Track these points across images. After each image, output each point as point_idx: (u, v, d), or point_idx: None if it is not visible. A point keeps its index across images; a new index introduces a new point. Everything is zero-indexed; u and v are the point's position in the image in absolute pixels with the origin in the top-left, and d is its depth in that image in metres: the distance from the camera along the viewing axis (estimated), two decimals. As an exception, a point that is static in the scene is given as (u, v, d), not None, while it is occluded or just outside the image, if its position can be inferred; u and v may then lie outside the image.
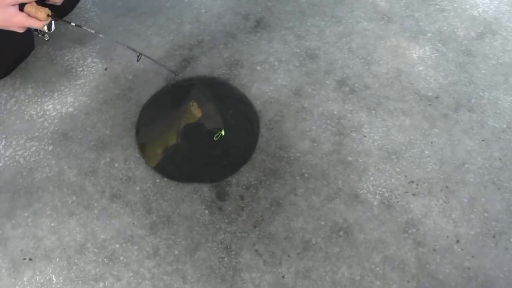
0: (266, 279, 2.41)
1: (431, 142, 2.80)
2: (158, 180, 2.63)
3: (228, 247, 2.48)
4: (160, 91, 2.95)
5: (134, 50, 2.35)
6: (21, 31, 2.15)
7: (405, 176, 2.66)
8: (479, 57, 3.18)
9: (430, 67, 3.10)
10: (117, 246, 2.48)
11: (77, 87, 2.96)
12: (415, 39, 3.24)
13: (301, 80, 2.98)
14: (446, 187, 2.65)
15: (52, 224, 2.54)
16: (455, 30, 3.31)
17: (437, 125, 2.86)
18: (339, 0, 3.41)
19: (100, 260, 2.45)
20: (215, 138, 2.72)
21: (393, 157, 2.72)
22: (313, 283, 2.40)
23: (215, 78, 2.99)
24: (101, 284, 2.42)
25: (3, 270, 2.44)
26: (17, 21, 2.06)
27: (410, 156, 2.72)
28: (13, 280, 2.43)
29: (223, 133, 2.74)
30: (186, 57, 3.09)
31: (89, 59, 3.07)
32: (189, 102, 2.84)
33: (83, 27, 2.29)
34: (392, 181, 2.65)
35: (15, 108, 2.91)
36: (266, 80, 2.93)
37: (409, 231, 2.53)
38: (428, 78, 3.05)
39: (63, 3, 2.19)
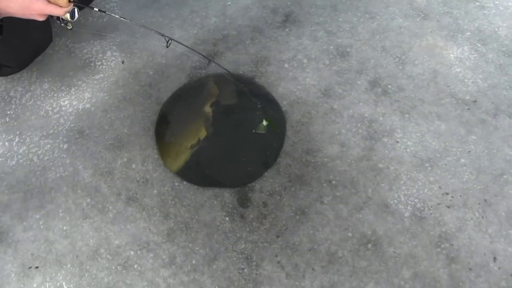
0: (288, 294, 2.23)
1: (468, 150, 2.64)
2: (177, 184, 2.51)
3: (249, 257, 2.35)
4: (182, 88, 2.83)
5: (162, 35, 2.24)
6: (41, 19, 2.02)
7: (439, 186, 2.51)
8: (521, 58, 2.93)
9: (468, 68, 2.92)
10: (132, 253, 2.37)
11: (95, 82, 2.85)
12: (452, 38, 3.06)
13: (331, 80, 2.82)
14: (484, 200, 2.49)
15: (64, 228, 2.45)
16: (496, 29, 3.14)
17: (475, 132, 2.69)
18: (374, -6, 3.21)
19: (113, 267, 2.35)
20: (258, 131, 2.61)
21: (427, 165, 2.56)
22: (338, 300, 2.23)
23: (240, 75, 2.83)
24: (113, 294, 2.28)
25: (12, 275, 2.36)
26: (37, 8, 1.92)
27: (445, 164, 2.56)
28: (22, 285, 2.34)
29: (265, 123, 2.63)
30: (210, 52, 2.96)
31: (109, 53, 2.95)
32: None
33: (107, 12, 2.15)
34: (425, 191, 2.50)
35: (30, 103, 2.80)
36: (294, 79, 2.78)
37: (442, 246, 2.37)
38: (466, 80, 2.88)
39: None
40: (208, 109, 2.74)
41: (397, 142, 2.65)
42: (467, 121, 2.74)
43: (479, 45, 3.07)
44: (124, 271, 2.33)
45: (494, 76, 2.93)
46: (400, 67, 2.92)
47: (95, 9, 2.11)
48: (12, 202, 2.49)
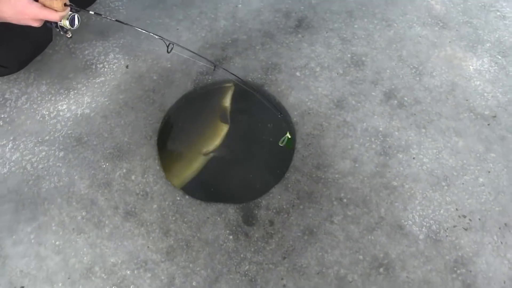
0: (294, 323, 2.12)
1: (487, 169, 2.52)
2: (178, 198, 2.39)
3: (253, 280, 2.23)
4: (187, 94, 2.70)
5: (162, 38, 2.09)
6: (36, 24, 1.91)
7: (456, 207, 2.40)
8: (544, 72, 2.81)
9: (488, 81, 2.80)
10: (128, 272, 2.24)
11: (96, 85, 2.71)
12: (472, 49, 2.93)
13: (344, 90, 2.70)
14: (504, 223, 2.37)
15: (57, 243, 2.31)
16: (518, 41, 2.93)
17: (494, 149, 2.58)
18: (391, 1, 3.13)
19: (108, 287, 2.20)
20: (281, 144, 2.51)
21: (443, 183, 2.45)
22: (348, 331, 2.12)
23: (249, 83, 2.71)
24: (107, 318, 2.16)
25: (-1, 293, 2.19)
26: (30, 12, 1.82)
27: (463, 183, 2.45)
28: (9, 305, 2.17)
29: (288, 136, 2.51)
30: (219, 57, 2.83)
31: (111, 55, 2.81)
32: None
33: (102, 15, 2.01)
34: (441, 212, 2.39)
35: (26, 106, 2.67)
36: (306, 88, 2.66)
37: (458, 271, 2.25)
38: (485, 94, 2.76)
39: None
40: (216, 119, 2.62)
41: (413, 158, 2.53)
42: (486, 138, 2.61)
43: (499, 57, 2.94)
44: (119, 291, 2.15)
45: (516, 90, 2.73)
46: (417, 79, 2.79)
47: (90, 12, 1.96)
48: (2, 213, 2.36)
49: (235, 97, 2.67)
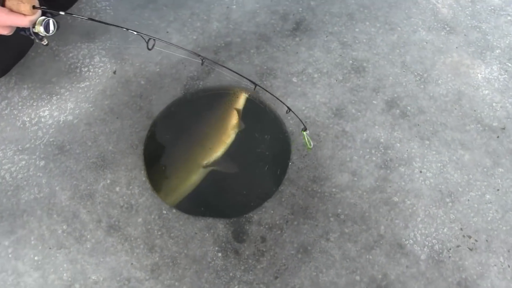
0: None
1: (494, 185, 2.40)
2: (165, 212, 2.28)
3: (243, 301, 2.06)
4: (176, 101, 2.57)
5: (139, 33, 1.86)
6: (5, 32, 1.72)
7: (461, 226, 2.28)
8: (556, 81, 2.68)
9: (497, 91, 2.67)
10: None
11: (80, 90, 2.58)
12: (480, 56, 2.79)
13: (344, 98, 2.57)
14: (512, 244, 2.18)
15: (36, 258, 2.19)
16: (529, 47, 2.81)
17: (502, 164, 2.46)
18: (394, 3, 2.98)
19: None
20: (309, 146, 2.37)
21: (448, 200, 2.34)
22: None
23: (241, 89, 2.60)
24: None
25: (-28, 312, 2.08)
26: None
27: (468, 200, 2.33)
28: (-19, 326, 2.06)
29: (307, 136, 2.36)
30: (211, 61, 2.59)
31: (97, 58, 2.67)
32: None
33: (74, 15, 1.85)
34: (445, 230, 2.27)
35: (6, 112, 2.54)
36: (303, 95, 2.54)
37: (462, 295, 2.07)
38: (494, 104, 2.63)
39: None
40: (207, 128, 2.50)
41: (416, 172, 2.41)
42: (494, 151, 2.49)
43: (509, 64, 2.80)
44: (99, 312, 2.04)
45: (526, 100, 2.60)
46: (422, 87, 2.66)
47: (61, 12, 1.80)
48: (-22, 226, 2.18)
49: (228, 104, 2.55)
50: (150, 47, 1.86)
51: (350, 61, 2.72)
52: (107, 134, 2.46)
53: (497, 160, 2.43)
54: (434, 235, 2.24)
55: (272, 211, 2.28)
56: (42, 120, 2.51)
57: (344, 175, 2.37)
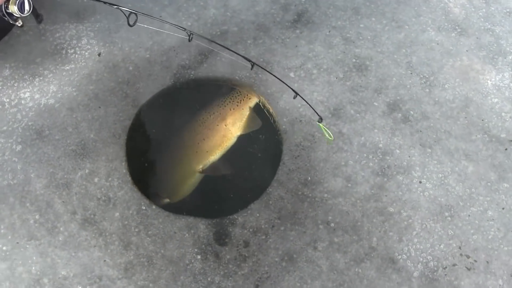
0: None
1: (498, 201, 2.26)
2: (144, 208, 2.16)
3: (219, 309, 1.95)
4: (165, 90, 2.45)
5: (117, 7, 1.73)
6: None
7: (459, 243, 2.15)
8: None
9: (507, 100, 2.53)
10: None
11: (64, 73, 2.46)
12: (492, 61, 2.65)
13: (343, 97, 2.44)
14: (512, 265, 2.07)
15: (4, 248, 2.09)
16: (544, 55, 2.66)
17: (508, 178, 2.31)
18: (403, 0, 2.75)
19: None
20: (330, 138, 2.17)
21: (447, 214, 2.20)
22: None
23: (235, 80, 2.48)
24: None
25: None
26: None
27: (469, 216, 2.20)
28: None
29: (324, 124, 2.14)
30: (204, 49, 2.57)
31: (85, 40, 2.56)
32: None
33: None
34: (441, 246, 2.14)
35: (-15, 91, 2.38)
36: (300, 91, 2.36)
37: (455, 317, 1.96)
38: (503, 114, 2.48)
39: None
40: (204, 128, 2.38)
41: (414, 182, 2.27)
42: (500, 165, 2.34)
43: (522, 72, 2.60)
44: (66, 310, 1.94)
45: (538, 112, 2.47)
46: (427, 90, 2.51)
47: None
48: None
49: (220, 98, 2.44)
50: (131, 23, 1.70)
51: (353, 59, 2.58)
52: (89, 121, 2.35)
53: (503, 174, 2.29)
54: (429, 251, 2.11)
55: (258, 214, 2.15)
56: (22, 102, 2.40)
57: (338, 180, 2.24)
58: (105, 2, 1.74)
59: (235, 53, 1.95)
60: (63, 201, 2.16)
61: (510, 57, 2.66)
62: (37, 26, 2.56)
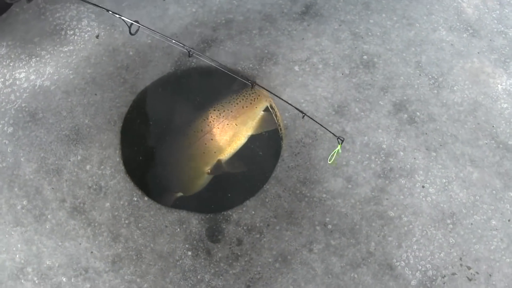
0: None
1: (502, 210, 2.17)
2: (136, 199, 2.09)
3: (207, 308, 1.89)
4: (165, 77, 2.38)
5: (121, 17, 1.76)
6: None
7: (460, 252, 2.07)
8: None
9: (517, 105, 2.40)
10: (64, 279, 1.96)
11: (62, 55, 2.40)
12: (504, 65, 2.58)
13: (348, 94, 2.37)
14: (517, 279, 2.00)
15: None
16: (558, 61, 2.59)
17: None
18: (416, -3, 2.71)
19: None
20: (330, 162, 2.05)
21: (449, 221, 2.12)
22: None
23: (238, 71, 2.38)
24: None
25: None
26: None
27: (471, 224, 2.12)
28: None
29: (339, 149, 2.02)
30: (208, 38, 2.51)
31: (85, 21, 2.50)
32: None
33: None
34: (441, 255, 2.06)
35: (-21, 69, 2.33)
36: (303, 86, 2.34)
37: (452, 329, 1.89)
38: (512, 120, 2.34)
39: None
40: (211, 127, 2.29)
41: (417, 186, 2.19)
42: (506, 172, 2.26)
43: (535, 78, 2.52)
44: (49, 302, 1.88)
45: (548, 119, 2.39)
46: (435, 91, 2.43)
47: None
48: None
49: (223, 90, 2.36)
50: (133, 32, 1.72)
51: (360, 55, 2.50)
52: (85, 106, 2.28)
53: (509, 182, 2.21)
54: (429, 259, 2.03)
55: (253, 212, 2.08)
56: (17, 82, 2.33)
57: (338, 180, 2.16)
58: (108, 10, 1.75)
59: (234, 75, 1.88)
60: (52, 188, 2.10)
61: (523, 62, 2.56)
62: (37, 5, 2.50)
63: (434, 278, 2.00)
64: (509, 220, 2.13)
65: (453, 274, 2.01)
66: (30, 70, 2.33)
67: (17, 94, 2.27)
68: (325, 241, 2.05)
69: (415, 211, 2.13)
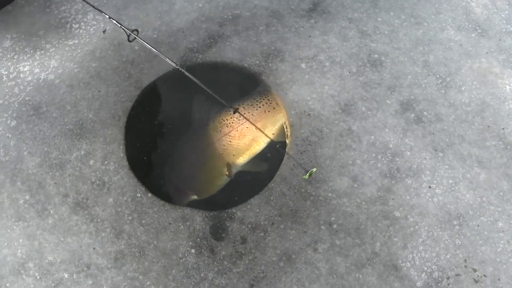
0: None
1: (509, 212, 2.14)
2: (139, 195, 2.07)
3: (210, 307, 1.86)
4: (170, 72, 2.37)
5: (122, 26, 1.79)
6: None
7: (467, 254, 2.04)
8: None
9: (525, 106, 2.37)
10: (66, 275, 1.93)
11: (67, 48, 2.38)
12: (512, 65, 2.48)
13: (355, 93, 2.34)
14: (522, 282, 1.97)
15: None
16: None
17: None
18: (424, -4, 2.69)
19: None
20: (304, 177, 2.05)
21: (455, 222, 2.09)
22: None
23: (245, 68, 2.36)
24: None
25: None
26: None
27: (478, 226, 2.10)
28: None
29: (314, 170, 2.06)
30: (214, 33, 2.49)
31: (91, 15, 2.49)
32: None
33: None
34: (447, 256, 2.02)
35: (-18, 61, 2.31)
36: (310, 83, 2.32)
37: (457, 331, 1.86)
38: (520, 121, 2.32)
39: None
40: (220, 122, 2.28)
41: (423, 187, 2.16)
42: (514, 174, 2.18)
43: (543, 78, 2.50)
44: (51, 298, 1.86)
45: (557, 121, 2.37)
46: (443, 91, 2.40)
47: None
48: None
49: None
50: (131, 39, 1.75)
51: (367, 53, 2.48)
52: (89, 100, 2.27)
53: (516, 184, 2.13)
54: (435, 260, 2.00)
55: (257, 210, 2.06)
56: (21, 75, 2.32)
57: (344, 179, 2.14)
58: (110, 17, 1.78)
59: (223, 103, 1.88)
60: (55, 182, 2.08)
61: (532, 62, 2.54)
62: (43, -4, 2.47)
63: (439, 279, 1.98)
64: (510, 215, 2.11)
65: (459, 275, 1.99)
66: (35, 63, 2.31)
67: (21, 87, 2.26)
68: (330, 240, 2.02)
69: (422, 212, 2.10)
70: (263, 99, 2.24)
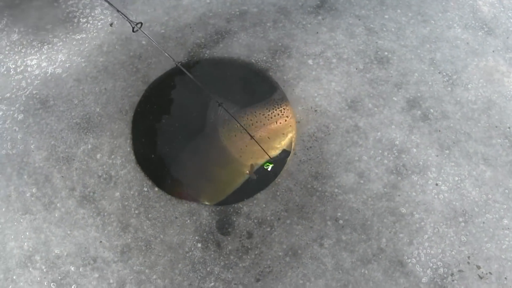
0: None
1: None
2: (146, 189, 2.07)
3: (216, 301, 1.87)
4: (178, 67, 2.24)
5: (126, 18, 1.79)
6: None
7: (472, 251, 2.04)
8: None
9: (532, 104, 2.37)
10: (72, 268, 1.94)
11: (75, 42, 2.38)
12: (519, 64, 2.48)
13: (361, 90, 2.33)
14: (526, 279, 1.97)
15: None
16: None
17: None
18: (431, -7, 2.69)
19: (45, 283, 1.92)
20: (265, 167, 2.12)
21: (461, 219, 2.09)
22: None
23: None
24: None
25: None
26: None
27: (483, 223, 2.09)
28: None
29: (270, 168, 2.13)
30: (221, 29, 2.48)
31: (98, 9, 2.48)
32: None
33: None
34: (453, 253, 2.03)
35: (-10, 54, 2.30)
36: (317, 80, 2.31)
37: (462, 327, 1.87)
38: (527, 119, 2.32)
39: None
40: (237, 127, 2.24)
41: (429, 183, 2.16)
42: (519, 172, 2.18)
43: (549, 77, 2.49)
44: (57, 290, 1.86)
45: (562, 120, 2.37)
46: (449, 89, 2.40)
47: None
48: None
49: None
50: (134, 31, 1.77)
51: (374, 50, 2.47)
52: (96, 94, 2.26)
53: (522, 182, 2.13)
54: (440, 256, 2.00)
55: (264, 205, 2.06)
56: (29, 69, 2.31)
57: (350, 175, 2.13)
58: (118, 10, 1.81)
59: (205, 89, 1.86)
60: (62, 176, 2.08)
61: (538, 61, 2.54)
62: (50, -9, 2.47)
63: (445, 275, 1.98)
64: (516, 212, 2.09)
65: (464, 272, 1.99)
66: (42, 57, 2.31)
67: (28, 81, 2.26)
68: (336, 236, 2.03)
69: (427, 208, 2.10)
70: (275, 110, 2.24)
